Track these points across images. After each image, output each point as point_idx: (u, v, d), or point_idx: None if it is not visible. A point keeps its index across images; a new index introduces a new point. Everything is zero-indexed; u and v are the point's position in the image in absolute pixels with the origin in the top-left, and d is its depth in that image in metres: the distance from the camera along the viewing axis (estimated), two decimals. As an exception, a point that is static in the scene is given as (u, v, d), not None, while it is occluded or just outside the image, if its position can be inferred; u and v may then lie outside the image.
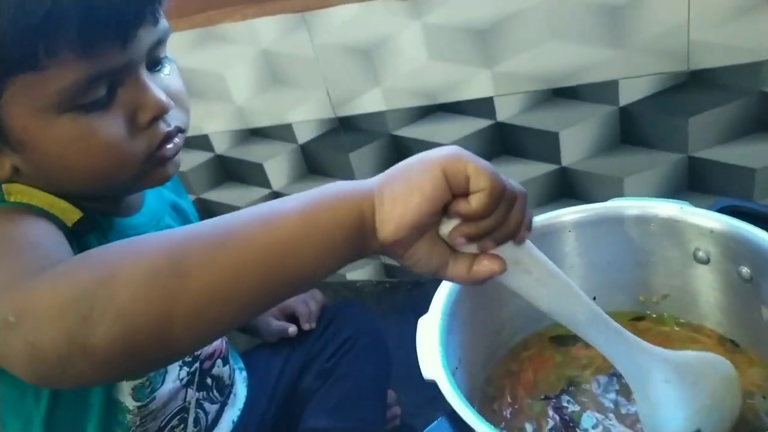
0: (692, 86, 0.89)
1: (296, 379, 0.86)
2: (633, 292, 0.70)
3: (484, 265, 0.42)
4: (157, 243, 0.39)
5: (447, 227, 0.41)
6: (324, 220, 0.39)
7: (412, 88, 1.03)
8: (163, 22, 0.53)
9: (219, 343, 0.73)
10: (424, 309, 0.58)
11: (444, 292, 0.62)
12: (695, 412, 0.52)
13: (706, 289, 0.64)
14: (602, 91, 0.94)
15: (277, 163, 1.24)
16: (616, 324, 0.50)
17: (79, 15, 0.45)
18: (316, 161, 1.21)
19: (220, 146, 1.25)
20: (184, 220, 0.70)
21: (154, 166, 0.54)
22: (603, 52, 0.90)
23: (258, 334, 0.90)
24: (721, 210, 0.66)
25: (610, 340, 0.50)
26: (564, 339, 0.69)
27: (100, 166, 0.51)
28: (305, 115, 1.14)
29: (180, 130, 0.56)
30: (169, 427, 0.67)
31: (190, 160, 1.30)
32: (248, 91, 1.14)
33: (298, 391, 0.86)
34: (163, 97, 0.52)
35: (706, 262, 0.63)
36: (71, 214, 0.53)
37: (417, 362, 0.53)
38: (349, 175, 1.20)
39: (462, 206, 0.39)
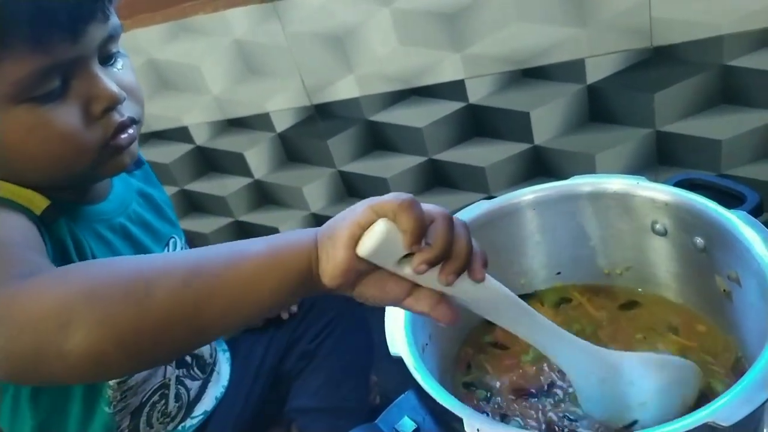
0: (656, 62, 0.91)
1: (280, 362, 0.88)
2: (597, 265, 0.72)
3: (442, 313, 0.45)
4: (133, 267, 0.43)
5: (406, 268, 0.43)
6: (280, 265, 0.43)
7: (384, 74, 1.05)
8: (114, 19, 0.56)
9: None
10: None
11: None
12: (631, 408, 0.54)
13: (665, 260, 0.67)
14: (570, 70, 0.95)
15: (257, 153, 1.25)
16: (562, 330, 0.52)
17: (31, 11, 0.48)
18: (295, 149, 1.22)
19: (200, 137, 1.27)
20: (154, 207, 0.73)
21: (110, 155, 0.57)
22: (568, 31, 0.92)
23: None
24: (679, 183, 0.69)
25: (556, 344, 0.53)
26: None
27: (57, 154, 0.54)
28: (282, 104, 1.15)
29: (134, 122, 0.58)
30: (150, 402, 0.69)
31: (172, 152, 1.31)
32: (224, 82, 1.15)
33: (282, 373, 0.88)
34: (114, 88, 0.55)
35: (664, 234, 0.65)
36: (39, 202, 0.55)
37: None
38: (328, 161, 1.21)
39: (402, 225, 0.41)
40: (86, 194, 0.63)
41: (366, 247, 0.41)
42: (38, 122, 0.52)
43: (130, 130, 0.58)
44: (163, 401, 0.71)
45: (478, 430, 0.46)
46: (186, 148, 1.29)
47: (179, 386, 0.73)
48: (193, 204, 1.39)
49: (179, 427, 0.74)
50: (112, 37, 0.56)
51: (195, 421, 0.75)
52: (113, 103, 0.55)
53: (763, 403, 0.41)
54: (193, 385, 0.75)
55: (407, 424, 0.53)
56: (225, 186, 1.34)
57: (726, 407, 0.41)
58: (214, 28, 1.08)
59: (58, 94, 0.53)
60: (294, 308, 0.90)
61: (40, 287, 0.42)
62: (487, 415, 0.47)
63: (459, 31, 0.96)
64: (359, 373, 0.90)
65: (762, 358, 0.42)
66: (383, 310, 0.60)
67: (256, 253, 0.43)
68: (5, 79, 0.50)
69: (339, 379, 0.86)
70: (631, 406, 0.54)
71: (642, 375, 0.55)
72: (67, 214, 0.59)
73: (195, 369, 0.75)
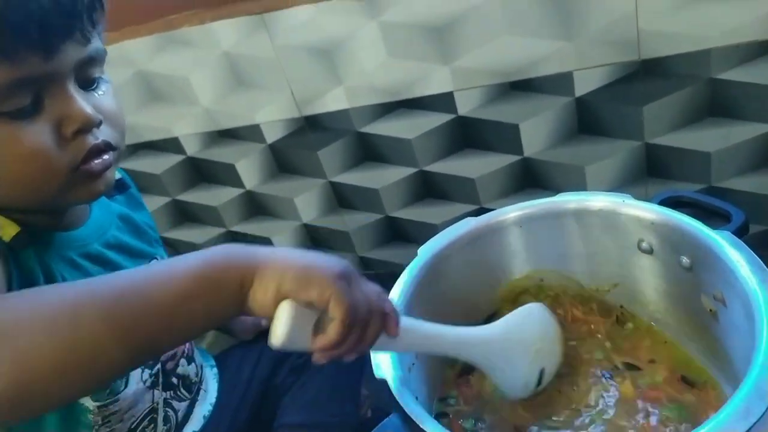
0: (644, 75, 0.91)
1: (269, 377, 0.88)
2: (585, 282, 0.72)
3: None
4: (60, 295, 0.42)
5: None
6: (213, 281, 0.43)
7: (373, 86, 1.04)
8: (97, 43, 0.55)
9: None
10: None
11: (400, 284, 0.64)
12: (533, 359, 0.61)
13: (652, 278, 0.66)
14: (558, 83, 0.95)
15: (248, 164, 1.25)
16: (460, 332, 0.57)
17: (1, 21, 0.47)
18: (285, 160, 1.22)
19: (191, 148, 1.26)
20: (134, 230, 0.72)
21: (82, 181, 0.55)
22: (556, 44, 0.92)
23: (234, 333, 0.92)
24: (664, 201, 0.69)
25: (459, 348, 0.58)
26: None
27: (24, 173, 0.52)
28: (272, 116, 1.15)
29: (111, 147, 0.57)
30: (140, 428, 0.68)
31: (163, 163, 1.31)
32: (214, 93, 1.15)
33: (271, 388, 0.88)
34: (88, 109, 0.53)
35: (650, 252, 0.65)
36: (8, 228, 0.54)
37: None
38: (319, 173, 1.21)
39: (319, 340, 0.45)
40: (62, 219, 0.62)
41: (277, 337, 0.43)
42: (6, 138, 0.51)
43: (105, 156, 0.56)
44: (152, 426, 0.70)
45: (460, 456, 0.46)
46: (177, 158, 1.29)
47: (167, 409, 0.72)
48: (185, 214, 1.39)
49: None
50: (93, 60, 0.55)
51: None
52: (86, 125, 0.53)
53: (745, 433, 0.40)
54: (181, 406, 0.74)
55: (391, 448, 0.52)
56: (217, 196, 1.33)
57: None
58: (202, 40, 1.08)
59: (29, 112, 0.51)
60: None
61: None
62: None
63: (447, 43, 0.96)
64: (349, 388, 0.89)
65: (742, 389, 0.42)
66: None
67: (190, 269, 0.43)
68: None
69: (328, 394, 0.86)
70: (531, 357, 0.60)
71: (523, 325, 0.61)
72: (38, 242, 0.57)
73: (181, 389, 0.75)
